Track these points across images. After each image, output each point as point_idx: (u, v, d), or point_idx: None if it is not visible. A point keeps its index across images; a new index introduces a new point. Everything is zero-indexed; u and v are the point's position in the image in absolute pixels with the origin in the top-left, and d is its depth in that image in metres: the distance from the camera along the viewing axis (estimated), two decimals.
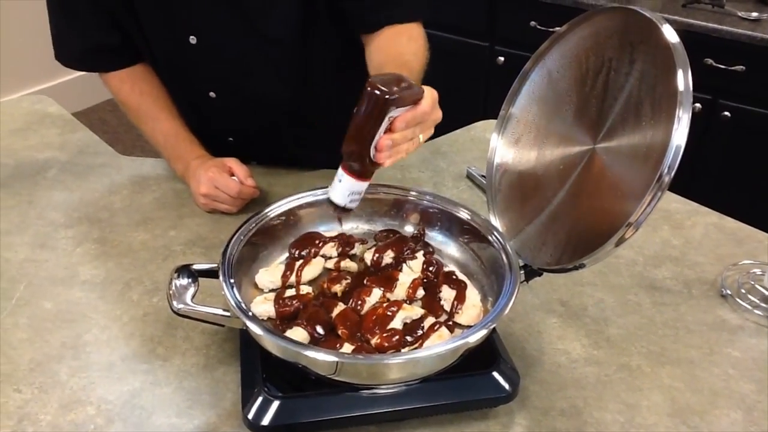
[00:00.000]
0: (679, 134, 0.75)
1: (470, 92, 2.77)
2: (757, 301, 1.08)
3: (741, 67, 2.21)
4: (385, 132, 0.85)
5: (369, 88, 0.82)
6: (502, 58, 2.65)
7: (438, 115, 0.90)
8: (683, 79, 0.76)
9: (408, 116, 0.85)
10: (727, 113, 2.29)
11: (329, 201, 0.90)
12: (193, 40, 1.21)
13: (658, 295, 1.10)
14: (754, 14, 2.23)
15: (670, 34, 0.80)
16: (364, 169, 0.86)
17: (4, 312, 1.02)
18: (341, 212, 0.91)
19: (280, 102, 1.31)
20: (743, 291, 1.10)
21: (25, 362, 0.94)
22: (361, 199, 0.90)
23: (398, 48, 1.15)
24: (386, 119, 0.83)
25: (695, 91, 2.31)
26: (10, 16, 3.34)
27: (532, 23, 2.50)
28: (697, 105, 2.30)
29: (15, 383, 0.91)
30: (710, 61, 2.24)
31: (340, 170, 0.87)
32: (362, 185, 0.88)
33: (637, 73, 0.85)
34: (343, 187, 0.87)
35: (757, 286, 1.11)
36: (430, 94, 0.87)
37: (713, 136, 2.36)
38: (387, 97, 0.81)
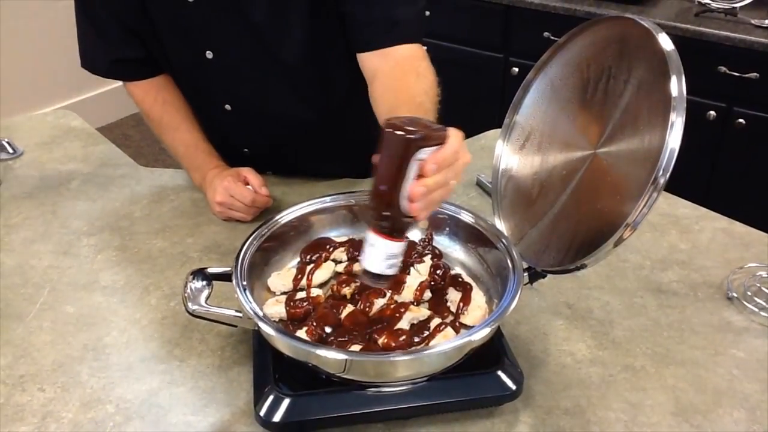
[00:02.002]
0: (674, 138, 0.78)
1: (486, 103, 2.80)
2: (763, 303, 1.09)
3: (755, 74, 2.22)
4: (416, 179, 0.75)
5: (389, 130, 0.73)
6: (516, 69, 2.68)
7: (467, 157, 0.82)
8: (677, 85, 0.79)
9: (438, 157, 0.76)
10: (741, 120, 2.29)
11: (364, 272, 0.79)
12: (209, 54, 1.25)
13: (663, 298, 1.12)
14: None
15: (666, 42, 0.82)
16: (396, 226, 0.77)
17: (29, 316, 1.07)
18: (378, 281, 0.80)
19: (294, 117, 1.35)
20: (749, 293, 1.11)
21: (49, 363, 0.98)
22: (399, 263, 0.80)
23: (409, 90, 1.09)
24: (413, 163, 0.74)
25: (709, 99, 2.33)
26: (36, 35, 3.43)
27: (546, 34, 2.52)
28: (712, 113, 2.31)
29: (39, 383, 0.95)
30: (724, 68, 2.25)
31: (370, 234, 0.78)
32: (398, 246, 0.78)
33: (635, 80, 0.88)
34: (378, 252, 0.77)
35: (764, 289, 1.12)
36: (455, 133, 0.81)
37: (728, 144, 2.37)
38: (410, 136, 0.73)
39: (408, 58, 1.16)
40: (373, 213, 0.77)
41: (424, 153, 0.75)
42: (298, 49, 1.23)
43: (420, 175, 0.76)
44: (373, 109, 1.15)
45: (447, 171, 0.79)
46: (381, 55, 1.17)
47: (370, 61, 1.19)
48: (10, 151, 1.54)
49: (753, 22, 2.26)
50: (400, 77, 1.14)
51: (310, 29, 1.21)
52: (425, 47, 1.21)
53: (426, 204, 0.77)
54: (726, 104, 2.31)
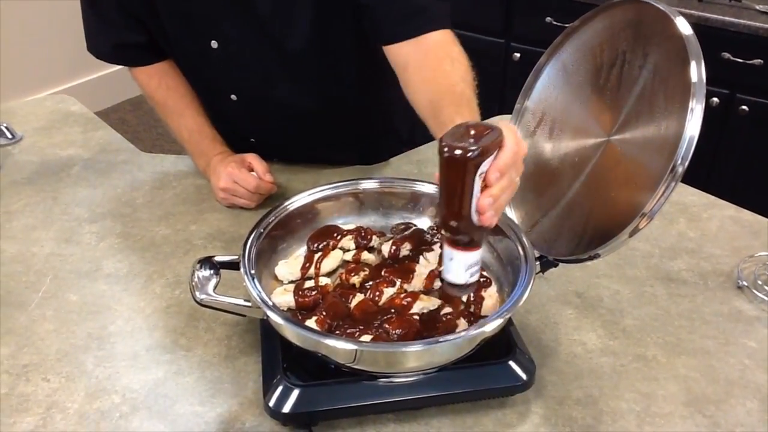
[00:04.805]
0: (693, 125, 0.76)
1: (486, 89, 2.76)
2: None
3: (759, 60, 2.20)
4: (481, 189, 0.75)
5: (447, 153, 0.72)
6: (518, 55, 2.66)
7: (525, 149, 0.81)
8: (696, 71, 0.77)
9: (500, 164, 0.75)
10: (744, 107, 2.27)
11: (446, 283, 0.82)
12: (214, 44, 1.23)
13: (673, 287, 1.11)
14: None
15: (684, 26, 0.81)
16: (471, 238, 0.78)
17: (32, 304, 1.05)
18: (462, 290, 0.83)
19: (302, 107, 1.32)
20: (759, 282, 1.11)
21: (53, 352, 0.97)
22: (479, 269, 0.82)
23: (447, 79, 1.06)
24: (477, 178, 0.74)
25: (712, 86, 2.29)
26: (33, 19, 3.39)
27: (548, 19, 2.50)
28: (715, 99, 2.30)
29: (43, 373, 0.94)
30: (727, 55, 2.23)
31: (447, 248, 0.80)
32: (476, 255, 0.80)
33: (651, 66, 0.86)
34: (458, 265, 0.79)
35: None
36: (511, 132, 0.78)
37: (731, 131, 2.35)
38: (469, 155, 0.72)
39: (439, 43, 1.11)
40: (446, 230, 0.78)
41: (486, 164, 0.75)
42: (304, 39, 1.20)
43: (484, 185, 0.76)
44: (409, 99, 1.09)
45: (510, 172, 0.77)
46: (411, 44, 1.11)
47: (400, 52, 1.12)
48: (9, 136, 1.52)
49: (757, 7, 2.24)
50: (434, 66, 1.09)
51: (317, 19, 1.18)
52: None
53: (495, 211, 0.77)
54: (729, 91, 2.29)
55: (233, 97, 1.32)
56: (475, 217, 0.76)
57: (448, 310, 0.91)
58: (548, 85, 1.02)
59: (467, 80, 1.06)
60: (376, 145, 1.48)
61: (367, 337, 0.86)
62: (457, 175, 0.73)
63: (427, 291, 0.94)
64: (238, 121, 1.38)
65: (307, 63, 1.25)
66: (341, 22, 1.21)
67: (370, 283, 0.95)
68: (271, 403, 0.83)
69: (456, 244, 0.78)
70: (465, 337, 0.82)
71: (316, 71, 1.27)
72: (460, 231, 0.77)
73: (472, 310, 0.92)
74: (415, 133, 1.51)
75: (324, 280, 0.97)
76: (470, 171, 0.73)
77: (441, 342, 0.82)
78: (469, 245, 0.78)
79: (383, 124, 1.49)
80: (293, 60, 1.24)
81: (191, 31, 1.23)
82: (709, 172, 2.42)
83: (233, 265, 0.91)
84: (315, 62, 1.25)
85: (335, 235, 1.03)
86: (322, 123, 1.36)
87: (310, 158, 1.42)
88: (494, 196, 0.75)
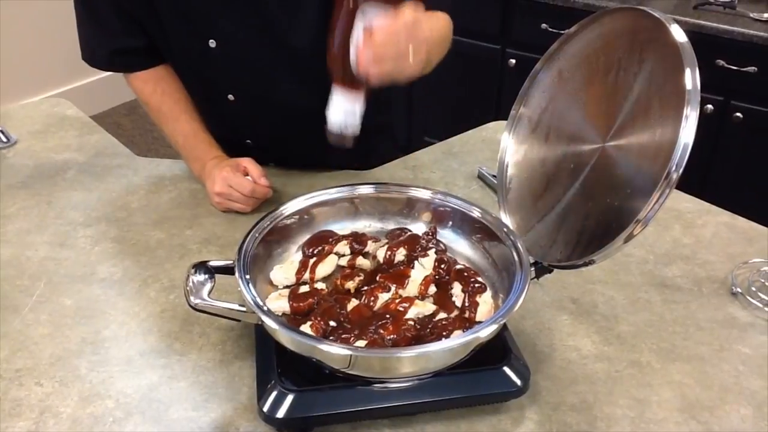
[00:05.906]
0: (687, 132, 0.77)
1: (482, 94, 2.78)
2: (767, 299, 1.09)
3: (753, 68, 2.21)
4: (365, 41, 0.85)
5: None
6: (513, 61, 2.67)
7: (425, 31, 0.91)
8: (691, 78, 0.78)
9: (388, 24, 0.86)
10: (739, 114, 2.29)
11: (328, 131, 0.93)
12: (212, 43, 1.23)
13: (668, 293, 1.11)
14: (766, 15, 2.23)
15: (678, 34, 0.81)
16: (352, 78, 0.88)
17: (26, 308, 1.05)
18: (339, 139, 0.93)
19: (301, 107, 1.32)
20: (753, 289, 1.11)
21: (46, 357, 0.96)
22: (357, 123, 0.92)
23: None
24: (359, 22, 0.84)
25: (707, 93, 2.31)
26: (29, 23, 3.39)
27: (544, 26, 2.51)
28: (709, 106, 2.31)
29: (37, 377, 0.93)
30: (722, 62, 2.24)
31: (333, 85, 0.90)
32: (354, 99, 0.89)
33: (646, 73, 0.87)
34: (337, 103, 0.89)
35: None
36: (413, 5, 0.89)
37: (725, 138, 2.36)
38: None
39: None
40: (332, 69, 0.89)
41: (373, 12, 0.85)
42: (308, 34, 1.20)
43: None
44: None
45: (398, 38, 0.88)
46: None
47: None
48: (4, 139, 1.51)
49: (752, 15, 2.26)
50: None
51: (323, 12, 1.18)
52: None
53: (376, 63, 0.87)
54: (724, 98, 2.30)
55: (230, 97, 1.31)
56: (354, 61, 0.87)
57: (443, 315, 0.91)
58: (544, 92, 1.02)
59: (434, 27, 1.16)
60: (373, 149, 1.48)
61: (361, 343, 0.85)
62: (343, 8, 0.84)
63: (422, 296, 0.94)
64: (235, 122, 1.37)
65: (309, 58, 1.24)
66: None
67: (365, 288, 0.95)
68: (266, 409, 0.83)
69: (339, 82, 0.90)
70: (460, 342, 0.82)
71: (318, 67, 1.26)
72: (340, 67, 0.88)
73: (467, 315, 0.92)
74: (411, 139, 1.52)
75: (319, 285, 0.97)
76: (353, 5, 0.84)
77: (436, 348, 0.82)
78: (349, 84, 0.89)
79: (381, 128, 1.49)
80: (296, 55, 1.23)
81: (190, 29, 1.23)
82: (704, 178, 2.43)
83: (228, 270, 0.91)
84: (318, 57, 1.25)
85: (330, 240, 1.03)
86: (321, 123, 1.35)
87: (305, 162, 1.42)
88: (375, 47, 0.86)
